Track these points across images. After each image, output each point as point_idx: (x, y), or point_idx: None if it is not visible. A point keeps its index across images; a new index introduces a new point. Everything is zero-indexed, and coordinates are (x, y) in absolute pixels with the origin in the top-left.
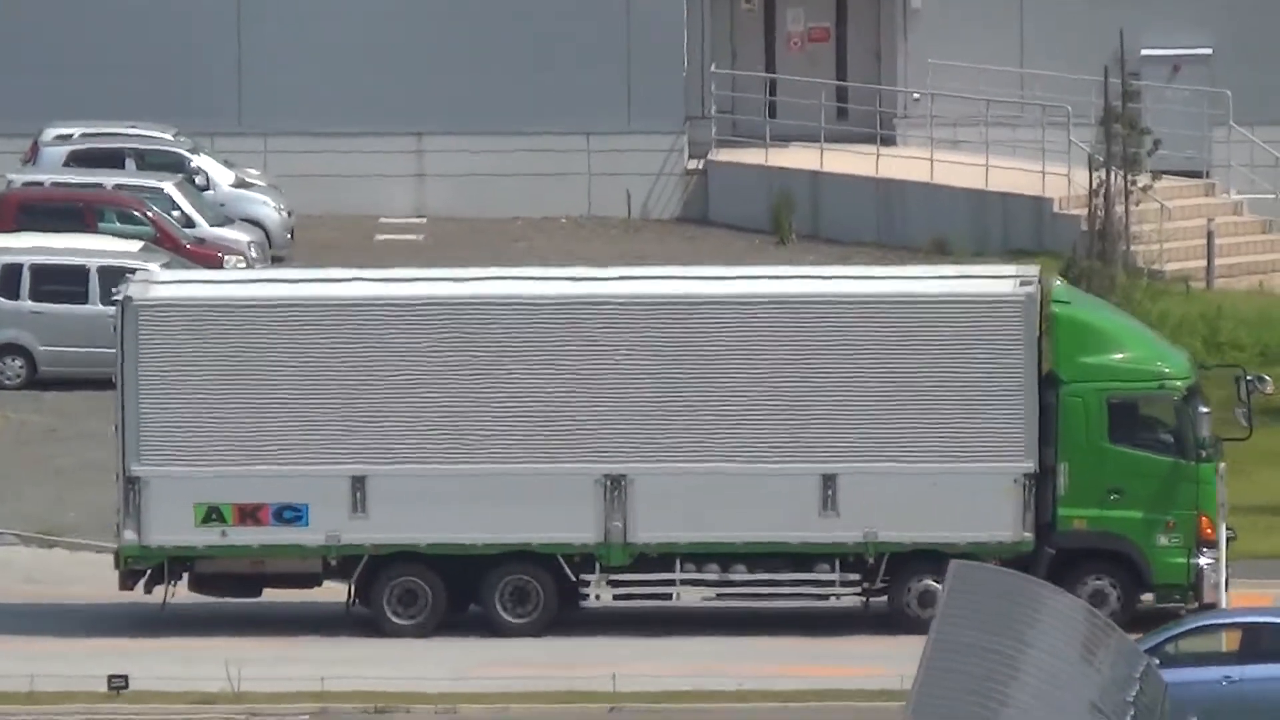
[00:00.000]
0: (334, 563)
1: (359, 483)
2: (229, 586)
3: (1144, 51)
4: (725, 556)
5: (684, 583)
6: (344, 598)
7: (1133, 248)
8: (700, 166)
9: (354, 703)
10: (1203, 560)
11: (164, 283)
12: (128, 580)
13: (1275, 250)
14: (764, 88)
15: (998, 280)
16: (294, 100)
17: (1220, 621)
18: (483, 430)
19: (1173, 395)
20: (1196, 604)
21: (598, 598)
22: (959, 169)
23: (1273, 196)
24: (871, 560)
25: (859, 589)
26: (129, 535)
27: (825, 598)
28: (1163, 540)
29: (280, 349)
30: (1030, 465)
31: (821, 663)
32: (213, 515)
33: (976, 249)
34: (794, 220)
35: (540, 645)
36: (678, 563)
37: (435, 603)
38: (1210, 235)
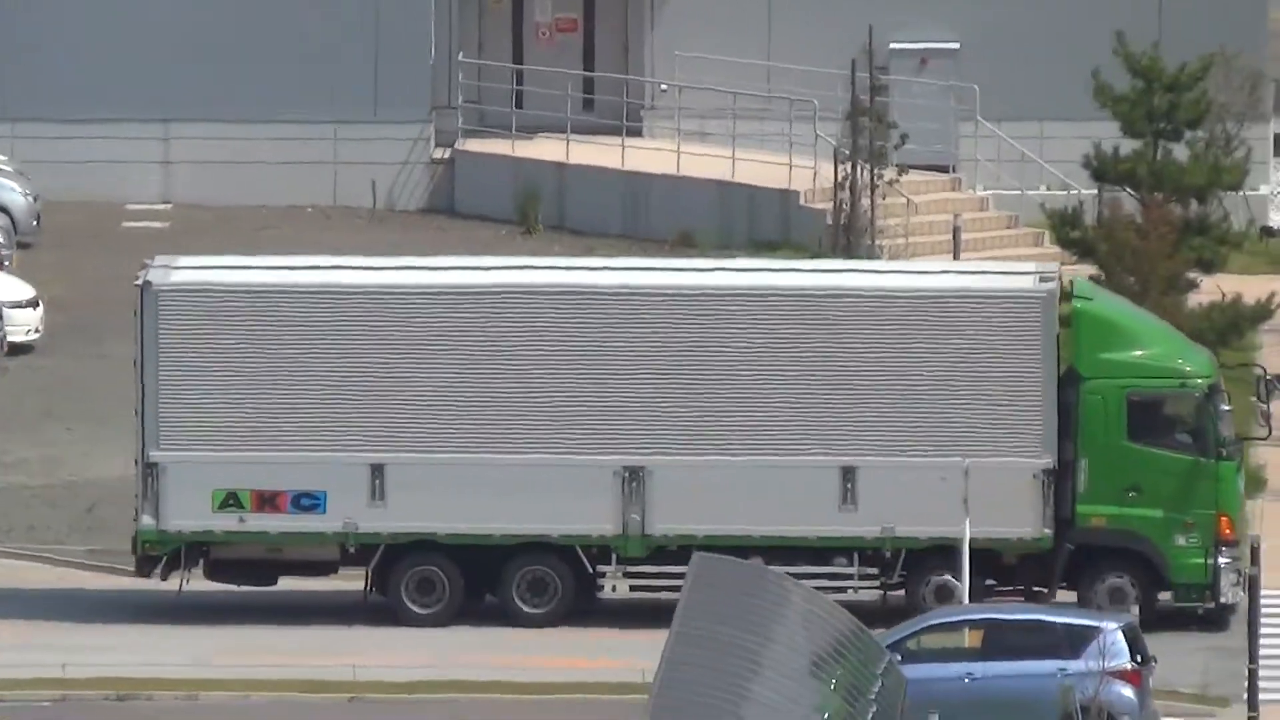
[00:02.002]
0: (352, 550)
1: (378, 471)
2: (245, 574)
3: (892, 46)
4: (743, 549)
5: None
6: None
7: (878, 241)
8: (447, 156)
9: (96, 690)
10: (1221, 560)
11: (184, 268)
12: (144, 566)
13: (1020, 245)
14: (511, 78)
15: (1017, 276)
16: (41, 85)
17: (962, 618)
18: (502, 420)
19: (1194, 393)
20: (1214, 604)
21: (614, 589)
22: (706, 161)
23: (1018, 192)
24: (889, 554)
25: (877, 583)
26: (146, 520)
27: (843, 591)
28: (1181, 539)
29: (300, 336)
30: (1049, 461)
31: (568, 654)
32: (230, 501)
33: (722, 242)
34: (540, 211)
35: (283, 634)
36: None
37: (452, 592)
38: (956, 230)
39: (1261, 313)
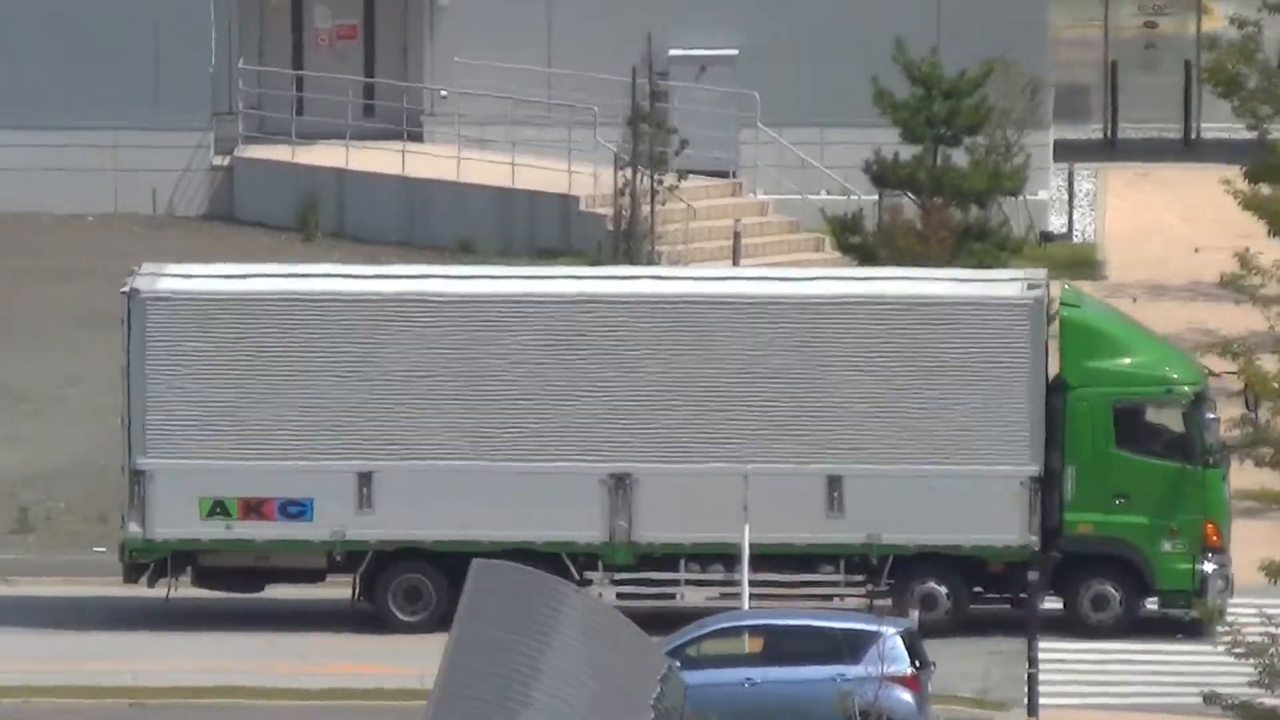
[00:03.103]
0: (338, 558)
1: (365, 479)
2: (232, 581)
3: (672, 52)
4: (729, 557)
5: (688, 583)
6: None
7: (658, 247)
8: (227, 163)
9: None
10: (1208, 566)
11: (171, 276)
12: (132, 574)
13: (801, 250)
14: (292, 85)
15: (1005, 283)
16: None
17: (742, 624)
18: (488, 428)
19: (1180, 401)
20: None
21: (600, 596)
22: (486, 168)
23: (799, 197)
24: (876, 561)
25: (863, 590)
26: (133, 528)
27: (829, 598)
28: (1167, 546)
29: (287, 344)
30: (1036, 469)
31: (350, 660)
32: (217, 509)
33: (503, 248)
34: (320, 218)
35: (54, 641)
36: (682, 563)
37: (439, 600)
38: (737, 235)
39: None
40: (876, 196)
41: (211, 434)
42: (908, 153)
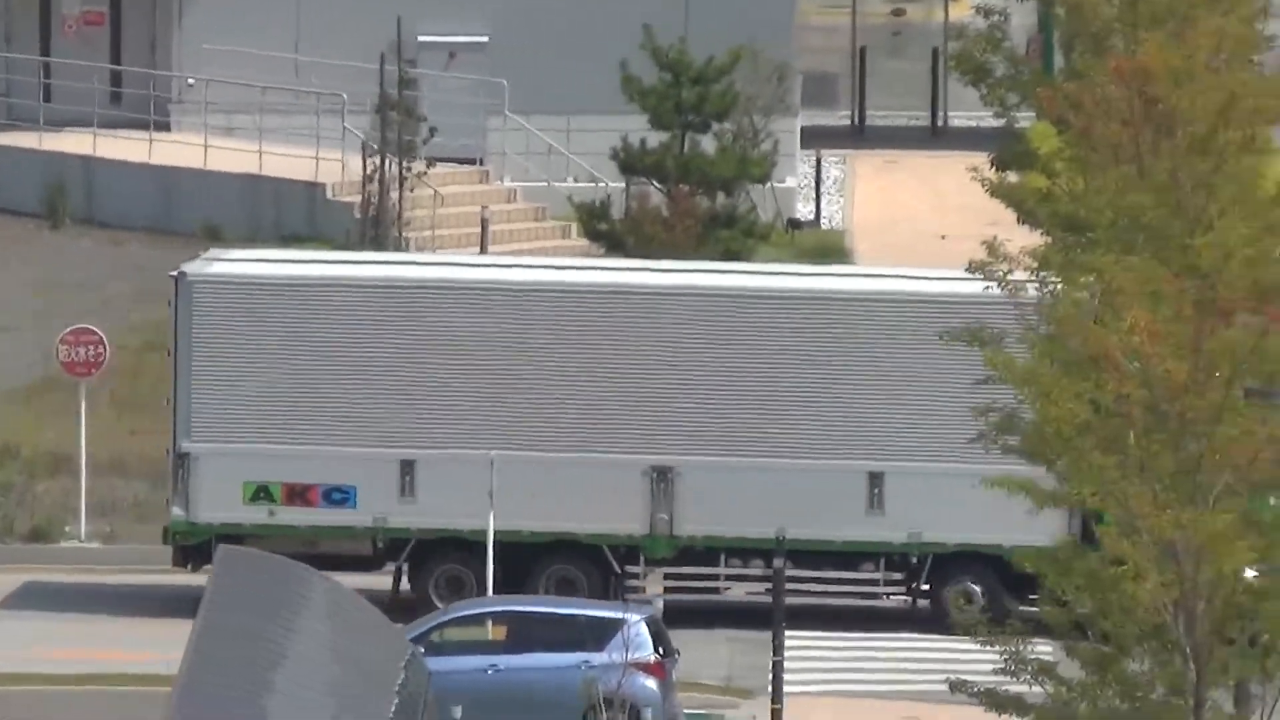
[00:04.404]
0: (382, 546)
1: (408, 466)
2: None
3: (421, 39)
4: (770, 552)
5: (728, 578)
6: None
7: (406, 234)
8: None
9: None
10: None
11: (220, 260)
12: (180, 557)
13: (548, 238)
14: (39, 71)
15: None
16: None
17: (485, 610)
18: (532, 418)
19: None
20: None
21: (645, 590)
22: (234, 155)
23: (546, 184)
24: (915, 560)
25: (903, 589)
26: (177, 511)
27: (871, 596)
28: None
29: (333, 329)
30: None
31: (99, 647)
32: (261, 494)
33: (250, 235)
34: (68, 205)
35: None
36: (722, 557)
37: (480, 591)
38: (484, 222)
39: None
40: (624, 184)
41: (256, 418)
42: (655, 140)
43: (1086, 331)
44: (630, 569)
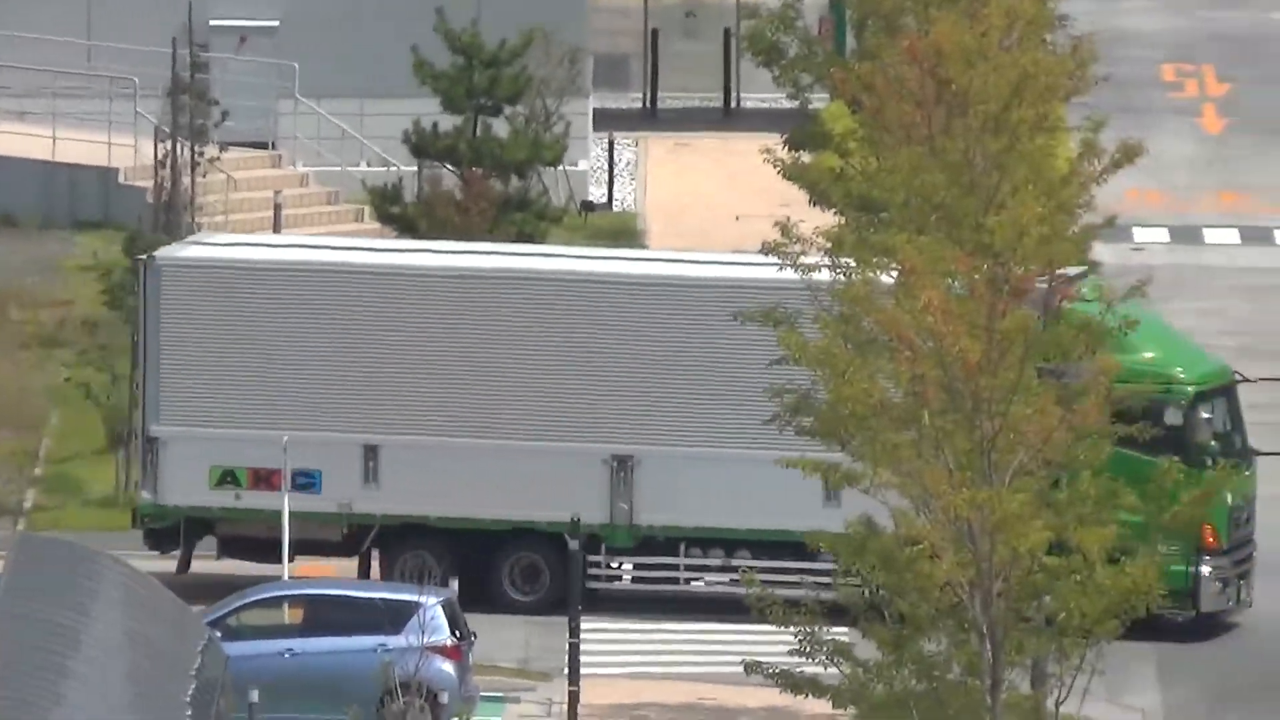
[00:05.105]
0: (346, 531)
1: (371, 452)
2: (257, 551)
3: (212, 23)
4: (730, 543)
5: (687, 568)
6: None
7: (198, 218)
8: None
9: None
10: (1204, 569)
11: (187, 243)
12: (152, 540)
13: (340, 222)
14: None
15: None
16: None
17: (282, 594)
18: (494, 405)
19: (1178, 399)
20: (1195, 613)
21: (605, 579)
22: (26, 141)
23: (338, 168)
24: None
25: (859, 580)
26: (145, 494)
27: (829, 587)
28: (1162, 546)
29: (299, 315)
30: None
31: None
32: (227, 478)
33: (43, 221)
34: None
35: None
36: (682, 547)
37: (444, 578)
38: (277, 206)
39: None
40: (417, 167)
41: (222, 403)
42: (448, 123)
43: (880, 311)
44: (592, 558)
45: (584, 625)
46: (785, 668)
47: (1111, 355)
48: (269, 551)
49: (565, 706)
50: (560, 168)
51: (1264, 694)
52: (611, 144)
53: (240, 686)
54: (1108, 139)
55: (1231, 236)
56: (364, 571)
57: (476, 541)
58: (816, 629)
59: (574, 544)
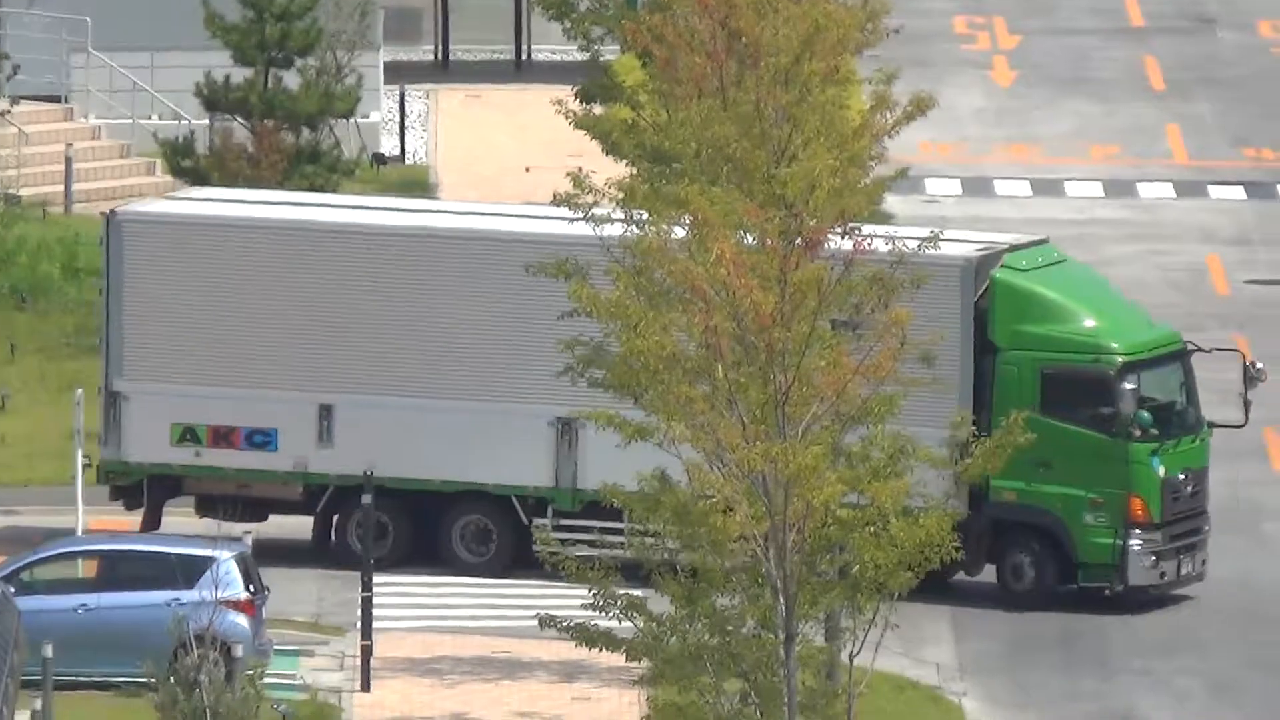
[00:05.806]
0: (302, 490)
1: (326, 411)
2: (233, 510)
3: None
4: None
5: (632, 533)
6: None
7: None
8: None
9: None
10: (1132, 542)
11: (152, 199)
12: (118, 495)
13: (132, 175)
14: None
15: (955, 244)
16: None
17: (76, 549)
18: (444, 366)
19: (1108, 370)
20: (1122, 586)
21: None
22: None
23: (130, 121)
24: None
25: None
26: (108, 451)
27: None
28: (1089, 518)
29: (256, 271)
30: (963, 433)
31: None
32: (188, 435)
33: None
34: None
35: None
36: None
37: (397, 538)
38: (69, 160)
39: None
40: (208, 120)
41: (183, 359)
42: (240, 76)
43: (673, 263)
44: (539, 521)
45: (377, 580)
46: (580, 622)
47: (1046, 325)
48: (248, 510)
49: (359, 660)
50: (352, 120)
51: (1060, 647)
52: (403, 96)
53: (34, 641)
54: (899, 91)
55: (1022, 188)
56: (323, 532)
57: (427, 502)
58: (608, 584)
59: (368, 498)
